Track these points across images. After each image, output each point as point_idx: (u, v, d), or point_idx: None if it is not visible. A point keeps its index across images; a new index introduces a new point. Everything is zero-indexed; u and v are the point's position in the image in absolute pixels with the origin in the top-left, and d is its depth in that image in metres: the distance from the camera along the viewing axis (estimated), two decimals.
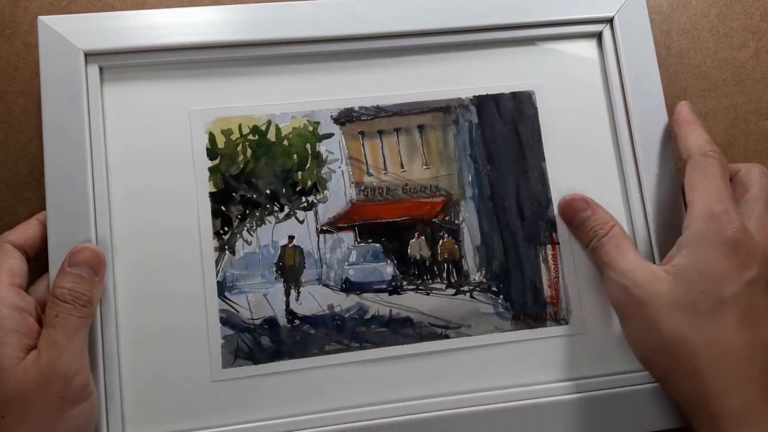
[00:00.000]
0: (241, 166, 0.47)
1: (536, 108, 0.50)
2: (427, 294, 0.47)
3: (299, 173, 0.48)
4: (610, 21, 0.50)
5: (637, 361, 0.46)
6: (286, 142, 0.48)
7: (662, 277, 0.41)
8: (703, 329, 0.40)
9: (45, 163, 0.44)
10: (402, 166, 0.49)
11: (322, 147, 0.48)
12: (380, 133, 0.49)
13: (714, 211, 0.41)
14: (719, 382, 0.39)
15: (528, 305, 0.47)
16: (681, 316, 0.40)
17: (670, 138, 0.48)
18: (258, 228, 0.47)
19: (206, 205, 0.46)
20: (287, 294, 0.46)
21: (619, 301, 0.43)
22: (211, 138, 0.47)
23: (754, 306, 0.40)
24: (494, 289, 0.48)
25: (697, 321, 0.40)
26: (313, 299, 0.46)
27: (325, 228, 0.47)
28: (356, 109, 0.49)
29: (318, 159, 0.48)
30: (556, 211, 0.49)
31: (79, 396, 0.39)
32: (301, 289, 0.46)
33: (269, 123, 0.48)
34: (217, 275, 0.46)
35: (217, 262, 0.46)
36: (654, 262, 0.45)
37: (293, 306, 0.46)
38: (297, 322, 0.46)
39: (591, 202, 0.47)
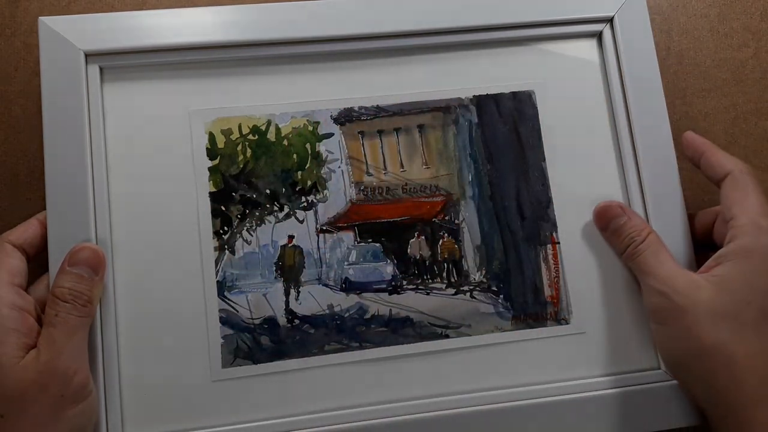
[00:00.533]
0: (241, 165, 0.47)
1: (536, 108, 0.50)
2: (427, 294, 0.47)
3: (299, 173, 0.48)
4: (610, 20, 0.50)
5: (637, 362, 0.46)
6: (285, 142, 0.48)
7: (703, 286, 0.42)
8: (744, 339, 0.40)
9: (45, 163, 0.44)
10: (402, 166, 0.49)
11: (322, 147, 0.48)
12: (380, 132, 0.49)
13: (761, 225, 0.42)
14: (757, 391, 0.39)
15: (528, 305, 0.47)
16: (722, 325, 0.40)
17: (671, 137, 0.48)
18: (258, 228, 0.47)
19: (206, 205, 0.46)
20: (287, 294, 0.46)
21: (657, 307, 0.44)
22: (211, 138, 0.47)
23: None
24: (494, 288, 0.47)
25: (740, 331, 0.40)
26: (313, 299, 0.46)
27: (324, 228, 0.47)
28: (356, 109, 0.49)
29: (318, 159, 0.48)
30: (556, 211, 0.48)
31: (78, 395, 0.39)
32: (300, 289, 0.46)
33: (269, 123, 0.48)
34: (216, 275, 0.46)
35: (216, 262, 0.46)
36: None
37: (293, 306, 0.46)
38: (297, 321, 0.46)
39: (626, 208, 0.47)
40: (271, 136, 0.48)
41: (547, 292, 0.48)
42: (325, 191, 0.48)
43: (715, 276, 0.42)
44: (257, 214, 0.47)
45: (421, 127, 0.49)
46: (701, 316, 0.41)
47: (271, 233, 0.47)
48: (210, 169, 0.47)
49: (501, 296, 0.47)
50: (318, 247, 0.47)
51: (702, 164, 0.46)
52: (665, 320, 0.43)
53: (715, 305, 0.41)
